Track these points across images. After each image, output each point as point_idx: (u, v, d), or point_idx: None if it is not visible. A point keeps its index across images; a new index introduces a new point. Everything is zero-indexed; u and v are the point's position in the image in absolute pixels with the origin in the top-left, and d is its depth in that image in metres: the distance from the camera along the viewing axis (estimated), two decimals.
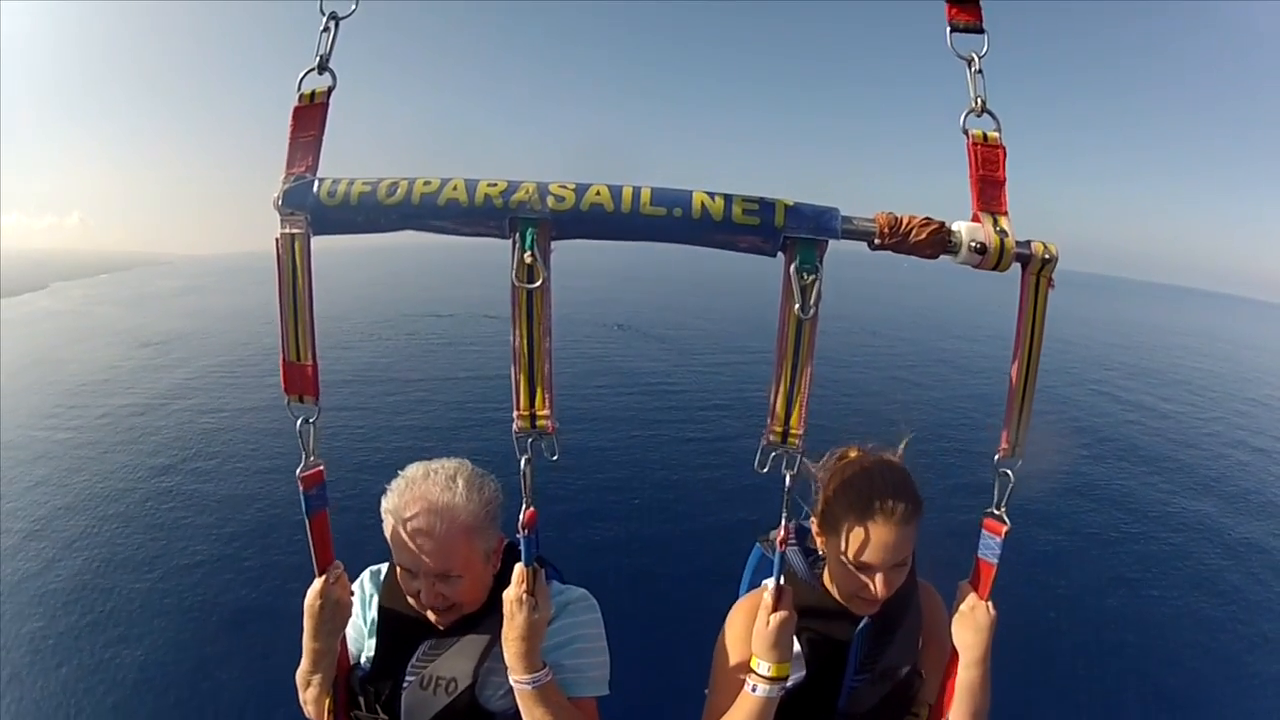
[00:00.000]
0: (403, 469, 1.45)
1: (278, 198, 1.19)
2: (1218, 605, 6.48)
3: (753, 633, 1.36)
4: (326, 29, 1.25)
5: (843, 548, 1.39)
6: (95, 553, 6.71)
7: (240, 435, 10.00)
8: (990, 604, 1.36)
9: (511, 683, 1.33)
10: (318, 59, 1.25)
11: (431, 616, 1.43)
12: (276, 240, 1.20)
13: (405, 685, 1.42)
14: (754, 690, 1.34)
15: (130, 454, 9.47)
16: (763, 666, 1.33)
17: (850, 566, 1.39)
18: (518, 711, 1.35)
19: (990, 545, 1.33)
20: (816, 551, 1.56)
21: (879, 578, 1.37)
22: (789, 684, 1.39)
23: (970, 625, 1.36)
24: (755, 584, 1.74)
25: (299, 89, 1.25)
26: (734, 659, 1.46)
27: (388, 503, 1.40)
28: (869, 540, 1.36)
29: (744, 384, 13.93)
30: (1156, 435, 12.46)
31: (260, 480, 8.24)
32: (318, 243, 1.23)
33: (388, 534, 1.41)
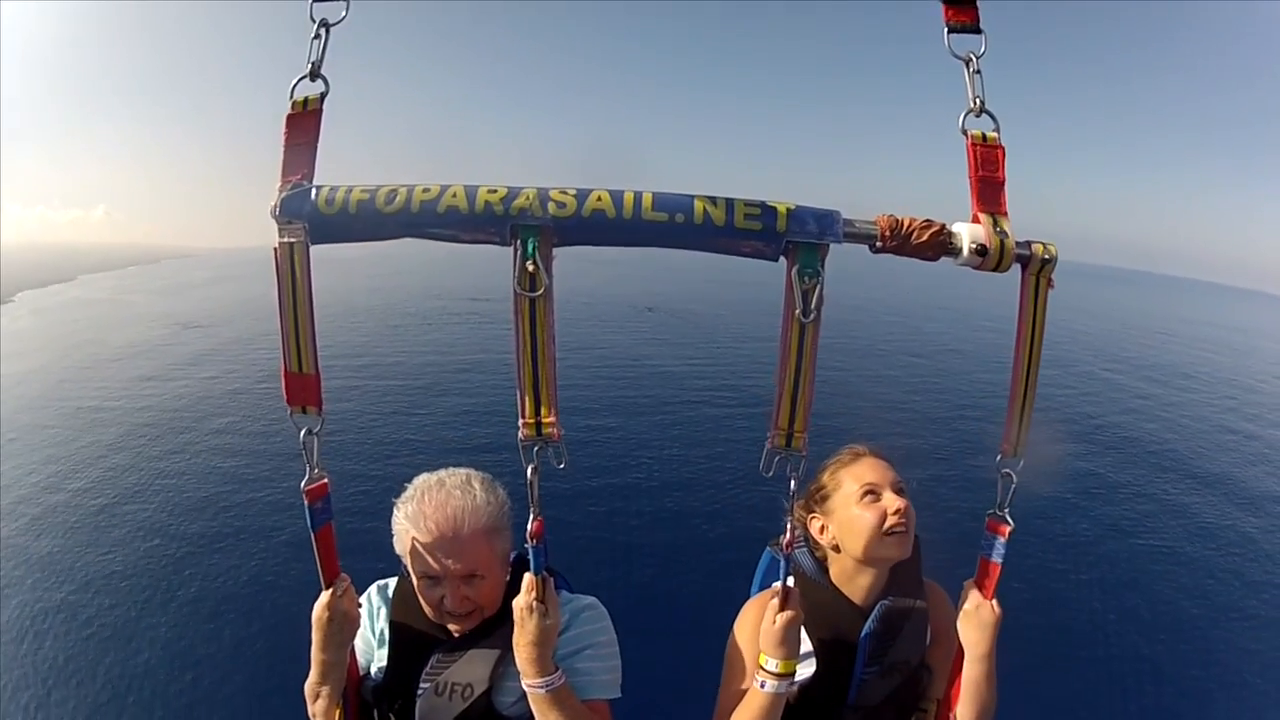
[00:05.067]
0: (410, 481, 1.47)
1: (275, 206, 1.18)
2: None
3: (761, 630, 1.38)
4: (317, 36, 1.22)
5: (849, 493, 1.52)
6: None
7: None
8: (995, 602, 1.38)
9: (525, 688, 1.35)
10: (309, 66, 1.22)
11: (451, 626, 1.45)
12: (275, 250, 1.19)
13: (420, 693, 1.43)
14: (763, 686, 1.37)
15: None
16: (770, 663, 1.36)
17: (862, 503, 1.50)
18: (532, 716, 1.37)
19: (994, 545, 1.35)
20: (822, 557, 1.63)
21: (890, 495, 1.49)
22: (800, 678, 1.43)
23: (975, 623, 1.39)
24: (766, 585, 1.77)
25: (291, 96, 1.23)
26: (744, 656, 1.50)
27: (404, 513, 1.41)
28: (865, 469, 1.55)
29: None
30: (1177, 430, 12.62)
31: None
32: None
33: (404, 545, 1.41)
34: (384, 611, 1.55)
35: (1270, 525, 8.30)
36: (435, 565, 1.37)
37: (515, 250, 1.16)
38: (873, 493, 1.51)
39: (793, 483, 1.24)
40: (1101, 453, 10.58)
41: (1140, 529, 7.87)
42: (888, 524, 1.47)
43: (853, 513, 1.51)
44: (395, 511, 1.43)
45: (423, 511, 1.38)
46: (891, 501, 1.49)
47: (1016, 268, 1.22)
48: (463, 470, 1.48)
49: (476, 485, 1.43)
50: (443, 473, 1.47)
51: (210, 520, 7.21)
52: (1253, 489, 9.59)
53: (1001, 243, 1.17)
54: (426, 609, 1.44)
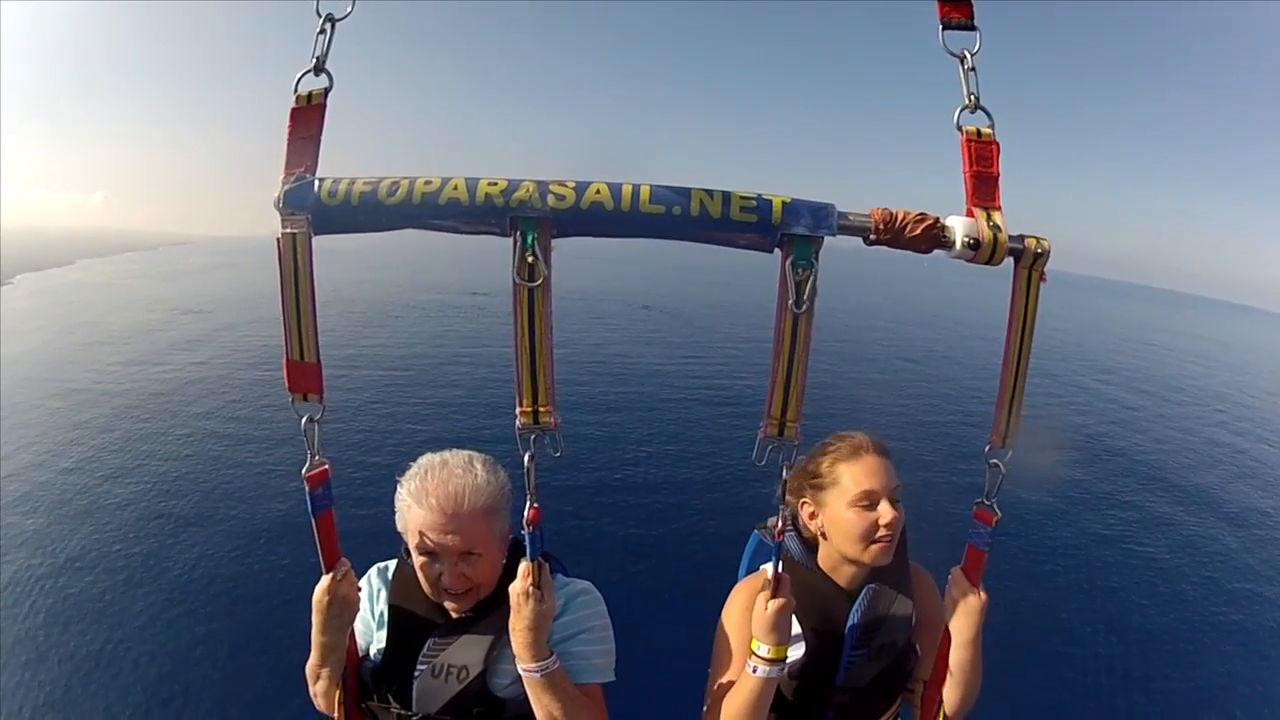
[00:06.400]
0: (414, 460, 1.49)
1: (278, 198, 1.20)
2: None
3: (753, 616, 1.40)
4: (323, 30, 1.23)
5: (844, 492, 1.52)
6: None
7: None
8: (981, 588, 1.41)
9: (520, 671, 1.38)
10: (314, 60, 1.24)
11: (449, 605, 1.47)
12: (278, 240, 1.21)
13: (417, 674, 1.46)
14: (754, 671, 1.38)
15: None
16: (762, 649, 1.38)
17: (857, 506, 1.51)
18: (527, 698, 1.39)
19: (981, 533, 1.37)
20: (810, 540, 1.65)
21: (885, 505, 1.50)
22: (789, 661, 1.45)
23: (962, 608, 1.42)
24: (753, 569, 1.79)
25: (295, 90, 1.24)
26: (734, 640, 1.52)
27: (407, 490, 1.44)
28: (865, 472, 1.53)
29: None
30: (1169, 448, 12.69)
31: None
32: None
33: (405, 523, 1.44)
34: (384, 594, 1.57)
35: (1252, 539, 8.37)
36: (434, 541, 1.40)
37: (515, 241, 1.17)
38: (869, 499, 1.51)
39: (785, 472, 1.25)
40: (1090, 462, 10.63)
41: (1124, 538, 7.92)
42: (876, 535, 1.50)
43: (844, 514, 1.53)
44: (398, 488, 1.46)
45: (425, 489, 1.41)
46: (885, 513, 1.50)
47: (1009, 262, 1.23)
48: (465, 451, 1.50)
49: (478, 466, 1.46)
50: (446, 453, 1.49)
51: (202, 501, 7.24)
52: (1239, 503, 9.65)
53: (994, 236, 1.18)
54: (425, 586, 1.46)
